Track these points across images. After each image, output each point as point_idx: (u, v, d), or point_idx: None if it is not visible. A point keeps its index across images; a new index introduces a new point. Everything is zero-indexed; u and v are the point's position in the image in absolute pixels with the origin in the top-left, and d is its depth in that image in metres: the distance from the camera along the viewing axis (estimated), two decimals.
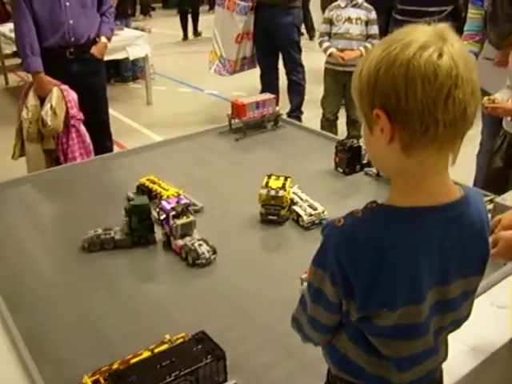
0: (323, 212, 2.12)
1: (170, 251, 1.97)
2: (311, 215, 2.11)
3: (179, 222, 1.93)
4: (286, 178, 2.18)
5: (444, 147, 0.88)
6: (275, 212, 2.12)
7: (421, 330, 0.97)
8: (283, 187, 2.12)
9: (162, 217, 1.96)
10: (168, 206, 1.94)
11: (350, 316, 0.97)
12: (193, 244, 1.90)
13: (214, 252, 1.91)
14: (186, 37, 10.26)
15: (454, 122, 0.85)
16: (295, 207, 2.16)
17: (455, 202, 0.93)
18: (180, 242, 1.93)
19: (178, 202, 1.95)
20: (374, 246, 0.89)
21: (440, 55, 0.83)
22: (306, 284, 1.04)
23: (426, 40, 0.84)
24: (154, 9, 12.33)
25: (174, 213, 1.92)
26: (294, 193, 2.22)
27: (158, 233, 2.03)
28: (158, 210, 2.00)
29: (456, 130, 0.86)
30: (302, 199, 2.20)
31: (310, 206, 2.15)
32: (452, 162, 0.91)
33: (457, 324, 1.06)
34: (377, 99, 0.87)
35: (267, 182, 2.15)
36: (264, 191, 2.12)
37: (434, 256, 0.92)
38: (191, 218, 1.96)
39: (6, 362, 1.50)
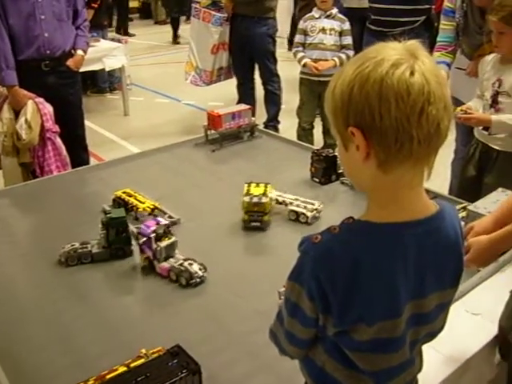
0: (320, 206, 2.21)
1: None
2: (313, 210, 2.18)
3: (163, 244, 1.90)
4: (265, 185, 2.22)
5: (419, 163, 0.89)
6: (258, 218, 2.15)
7: (397, 343, 0.97)
8: (265, 194, 2.16)
9: (142, 241, 1.90)
10: (148, 230, 1.89)
11: (327, 330, 0.97)
12: (181, 264, 1.88)
13: (205, 269, 1.89)
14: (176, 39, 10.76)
15: (428, 138, 0.86)
16: (292, 207, 2.22)
17: (430, 216, 0.94)
18: (166, 265, 1.89)
19: (157, 224, 1.90)
20: (351, 262, 0.89)
21: (412, 73, 0.84)
22: (283, 298, 1.05)
23: (398, 58, 0.85)
24: (131, 19, 12.30)
25: (155, 235, 1.88)
26: (278, 195, 2.27)
27: (136, 254, 2.00)
28: (136, 234, 1.94)
29: (430, 146, 0.87)
30: (293, 199, 2.26)
31: (307, 203, 2.21)
32: (427, 177, 0.93)
33: (431, 336, 1.07)
34: (351, 117, 0.87)
35: (248, 190, 2.18)
36: (247, 198, 2.14)
37: (410, 270, 0.93)
38: (173, 238, 1.94)
39: None
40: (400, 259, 0.91)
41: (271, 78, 5.12)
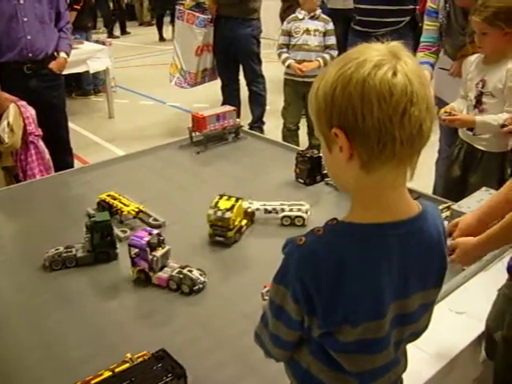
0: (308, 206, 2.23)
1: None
2: (306, 211, 2.19)
3: (158, 253, 1.87)
4: (237, 200, 2.12)
5: (402, 163, 0.89)
6: (222, 233, 2.08)
7: (382, 344, 0.98)
8: (231, 209, 2.07)
9: (134, 253, 1.86)
10: (142, 241, 1.85)
11: (312, 332, 0.97)
12: (180, 272, 1.86)
13: (205, 274, 1.88)
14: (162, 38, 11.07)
15: (411, 139, 0.86)
16: (285, 213, 2.20)
17: (413, 217, 0.95)
18: (163, 275, 1.86)
19: (150, 234, 1.88)
20: (335, 263, 0.89)
21: (394, 73, 0.84)
22: (267, 299, 1.04)
23: (380, 59, 0.85)
24: (115, 21, 12.26)
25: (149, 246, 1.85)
26: (263, 205, 2.24)
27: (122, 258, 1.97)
28: (128, 247, 1.89)
29: (413, 147, 0.87)
30: (278, 205, 2.23)
31: (296, 205, 2.21)
32: (410, 177, 0.93)
33: (416, 335, 1.08)
34: (334, 118, 0.87)
35: (217, 202, 2.10)
36: (211, 211, 2.08)
37: (394, 271, 0.93)
38: (166, 247, 1.92)
39: None
40: (384, 260, 0.92)
41: (256, 79, 5.12)
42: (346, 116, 0.85)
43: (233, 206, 2.08)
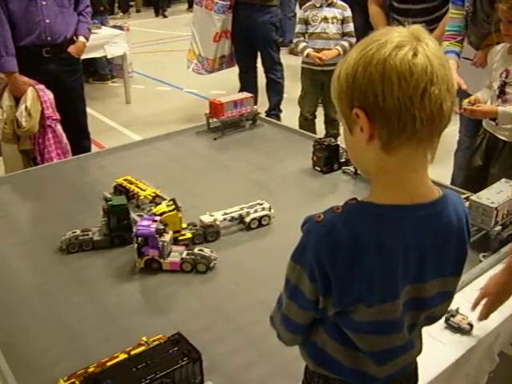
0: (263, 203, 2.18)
1: None
2: (270, 209, 2.15)
3: (167, 238, 1.88)
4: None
5: (422, 144, 0.89)
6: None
7: (396, 326, 0.98)
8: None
9: (142, 241, 1.84)
10: (150, 229, 1.84)
11: (327, 311, 0.98)
12: (192, 253, 1.88)
13: (212, 251, 1.91)
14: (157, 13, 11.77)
15: (431, 119, 0.86)
16: (251, 216, 2.12)
17: (433, 201, 0.95)
18: (174, 259, 1.87)
19: (154, 221, 1.87)
20: (352, 241, 0.90)
21: (415, 54, 0.85)
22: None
23: (401, 40, 0.86)
24: (131, 6, 12.29)
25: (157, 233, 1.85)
26: (223, 215, 2.11)
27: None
28: (133, 236, 1.88)
29: (433, 127, 0.88)
30: (241, 210, 2.14)
31: (258, 206, 2.16)
32: (430, 160, 0.93)
33: (431, 320, 1.08)
34: (355, 99, 0.88)
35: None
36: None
37: (410, 253, 0.93)
38: (170, 232, 1.93)
39: None
40: (400, 240, 0.92)
41: (274, 67, 5.09)
42: (366, 96, 0.86)
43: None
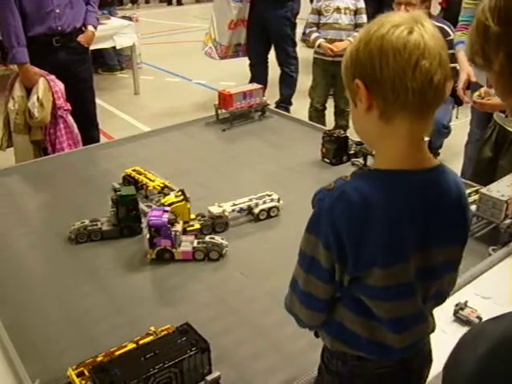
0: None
1: None
2: (278, 200, 2.15)
3: (178, 228, 1.89)
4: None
5: (414, 114, 0.96)
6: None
7: (409, 291, 1.02)
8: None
9: (154, 232, 1.84)
10: (162, 219, 1.84)
11: (343, 281, 1.01)
12: (203, 242, 1.89)
13: (223, 238, 1.93)
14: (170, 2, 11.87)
15: (423, 90, 0.94)
16: (260, 207, 2.12)
17: (432, 167, 1.02)
18: (186, 249, 1.88)
19: (165, 211, 1.88)
20: (362, 202, 0.96)
21: (410, 32, 0.93)
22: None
23: (400, 21, 0.95)
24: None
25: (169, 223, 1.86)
26: (232, 206, 2.11)
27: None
28: (145, 227, 1.89)
29: (425, 98, 0.95)
30: (250, 201, 2.14)
31: (266, 197, 2.16)
32: (426, 133, 1.01)
33: (441, 296, 1.11)
34: (357, 71, 0.98)
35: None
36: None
37: (416, 218, 0.99)
38: (181, 221, 1.94)
39: None
40: (406, 202, 0.98)
41: (288, 61, 5.06)
42: (366, 68, 0.96)
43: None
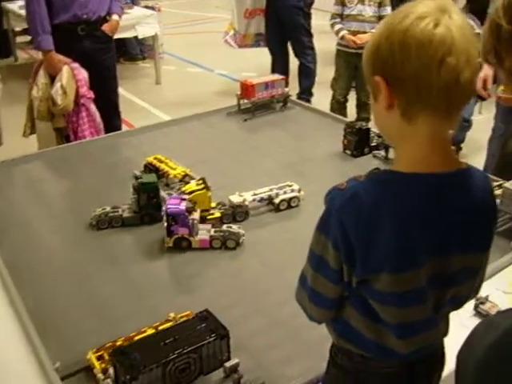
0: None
1: None
2: (299, 191, 2.14)
3: (195, 216, 1.90)
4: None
5: (439, 113, 0.91)
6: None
7: (418, 298, 0.98)
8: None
9: (172, 220, 1.85)
10: (180, 207, 1.84)
11: (352, 283, 0.98)
12: (220, 231, 1.90)
13: (240, 227, 1.94)
14: None
15: (448, 89, 0.88)
16: (280, 197, 2.11)
17: (455, 171, 0.96)
18: (204, 237, 1.89)
19: (182, 200, 1.89)
20: (372, 207, 0.92)
21: (436, 25, 0.87)
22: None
23: (425, 11, 0.88)
24: None
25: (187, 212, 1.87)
26: (253, 195, 2.11)
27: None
28: (163, 215, 1.89)
29: (450, 98, 0.89)
30: (270, 191, 2.14)
31: (287, 187, 2.15)
32: (450, 132, 0.95)
33: (458, 302, 1.06)
34: (377, 66, 0.92)
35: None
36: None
37: (430, 223, 0.94)
38: (198, 209, 1.94)
39: (12, 337, 1.52)
40: (420, 209, 0.93)
41: (304, 51, 5.03)
42: (386, 64, 0.90)
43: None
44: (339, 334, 1.07)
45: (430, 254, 0.95)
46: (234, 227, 1.92)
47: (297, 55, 5.09)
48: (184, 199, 1.89)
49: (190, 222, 1.86)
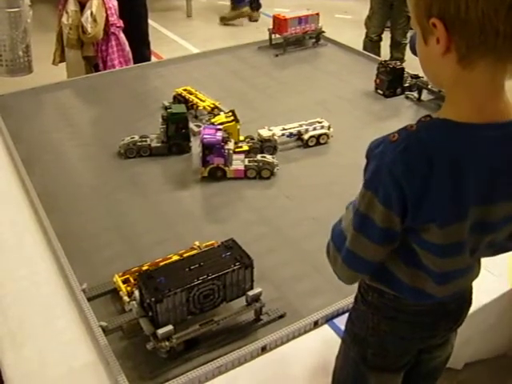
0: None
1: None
2: (329, 128, 2.13)
3: (230, 146, 1.89)
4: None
5: (501, 60, 0.84)
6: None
7: (461, 248, 0.96)
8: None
9: (208, 150, 1.85)
10: (216, 137, 1.84)
11: (398, 230, 0.95)
12: (255, 161, 1.91)
13: (274, 157, 1.95)
14: None
15: None
16: (310, 133, 2.10)
17: (510, 121, 0.89)
18: (239, 167, 1.90)
19: (218, 130, 1.88)
20: (426, 157, 0.88)
21: None
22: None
23: None
24: None
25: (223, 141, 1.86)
26: (282, 130, 2.10)
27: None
28: (198, 145, 1.90)
29: None
30: (300, 127, 2.12)
31: (317, 124, 2.14)
32: (510, 78, 0.87)
33: (494, 247, 1.04)
34: (435, 7, 0.82)
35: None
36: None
37: (482, 174, 0.90)
38: (232, 140, 1.93)
39: (42, 260, 1.56)
40: (472, 160, 0.89)
41: None
42: (447, 5, 0.80)
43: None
44: (374, 275, 1.05)
45: (476, 202, 0.92)
46: (268, 157, 1.92)
47: None
48: (219, 129, 1.88)
49: (226, 151, 1.85)
